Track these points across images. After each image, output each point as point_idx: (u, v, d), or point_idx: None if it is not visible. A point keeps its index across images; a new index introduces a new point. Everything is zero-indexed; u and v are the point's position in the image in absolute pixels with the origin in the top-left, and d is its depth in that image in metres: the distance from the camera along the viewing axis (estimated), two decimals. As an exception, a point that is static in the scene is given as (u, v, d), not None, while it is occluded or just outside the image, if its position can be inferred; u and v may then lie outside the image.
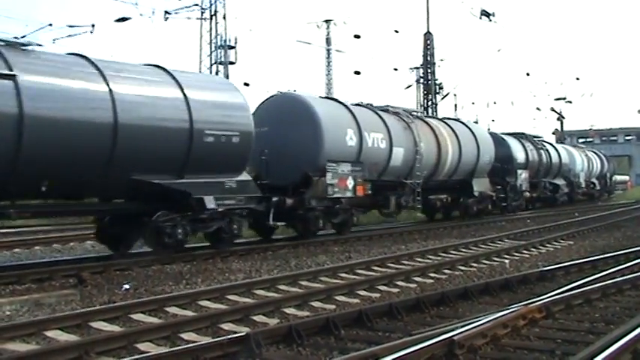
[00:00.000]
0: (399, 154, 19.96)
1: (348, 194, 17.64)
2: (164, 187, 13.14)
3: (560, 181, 35.57)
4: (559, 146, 37.79)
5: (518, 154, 29.51)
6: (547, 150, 33.96)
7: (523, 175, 29.17)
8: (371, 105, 20.71)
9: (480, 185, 24.90)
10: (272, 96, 18.50)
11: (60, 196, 12.69)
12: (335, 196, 17.24)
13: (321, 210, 17.16)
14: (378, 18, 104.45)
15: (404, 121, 20.91)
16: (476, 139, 24.63)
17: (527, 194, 30.01)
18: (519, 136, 32.05)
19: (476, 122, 33.56)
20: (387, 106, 21.12)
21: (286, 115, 17.23)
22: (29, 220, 17.11)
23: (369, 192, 18.74)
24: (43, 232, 19.28)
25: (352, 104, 19.68)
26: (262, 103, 18.06)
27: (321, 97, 20.54)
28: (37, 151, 10.91)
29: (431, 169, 21.87)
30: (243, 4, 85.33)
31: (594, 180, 44.21)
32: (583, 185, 39.94)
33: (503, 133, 31.06)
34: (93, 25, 27.43)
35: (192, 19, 34.41)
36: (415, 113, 23.49)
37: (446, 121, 24.73)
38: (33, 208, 12.86)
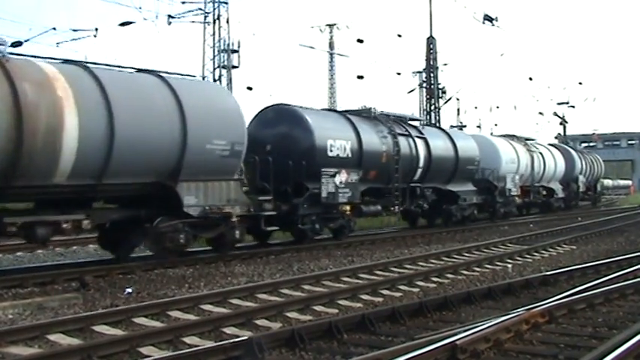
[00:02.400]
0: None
1: None
2: None
3: (461, 187, 23.30)
4: (459, 134, 25.39)
5: (332, 142, 17.16)
6: (423, 138, 21.24)
7: (340, 177, 16.97)
8: None
9: (205, 195, 13.71)
10: None
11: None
12: None
13: None
14: (381, 22, 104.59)
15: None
16: (179, 103, 13.11)
17: (348, 209, 17.46)
18: (353, 113, 19.41)
19: (478, 126, 30.30)
20: None
21: None
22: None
23: None
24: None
25: None
26: None
27: None
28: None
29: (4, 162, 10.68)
30: (247, 8, 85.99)
31: (552, 185, 33.31)
32: (514, 192, 26.74)
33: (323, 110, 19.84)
34: (96, 29, 27.39)
35: (196, 22, 34.46)
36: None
37: (87, 65, 12.56)
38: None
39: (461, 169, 23.10)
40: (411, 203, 20.69)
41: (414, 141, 20.66)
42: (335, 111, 21.97)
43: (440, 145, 22.15)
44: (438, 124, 31.33)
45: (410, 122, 21.80)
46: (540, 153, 31.80)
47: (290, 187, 16.13)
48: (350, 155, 17.72)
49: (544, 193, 32.22)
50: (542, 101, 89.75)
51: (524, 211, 31.41)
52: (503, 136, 30.78)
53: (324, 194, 16.63)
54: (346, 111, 19.77)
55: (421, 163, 20.94)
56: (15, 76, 10.85)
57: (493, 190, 25.49)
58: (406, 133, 20.52)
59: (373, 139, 18.76)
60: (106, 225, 13.23)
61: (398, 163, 19.54)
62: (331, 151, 17.25)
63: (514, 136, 31.35)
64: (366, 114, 19.74)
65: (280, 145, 16.27)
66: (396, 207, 19.90)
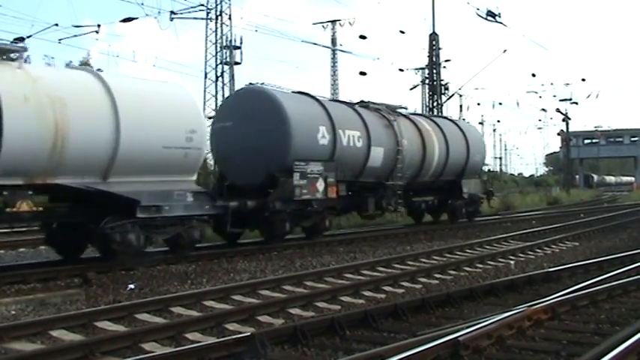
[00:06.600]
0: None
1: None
2: None
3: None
4: None
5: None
6: None
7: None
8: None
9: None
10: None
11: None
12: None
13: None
14: (383, 19, 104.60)
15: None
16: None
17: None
18: None
19: (481, 123, 31.78)
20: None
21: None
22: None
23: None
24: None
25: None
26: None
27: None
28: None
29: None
30: (249, 4, 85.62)
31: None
32: None
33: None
34: (99, 26, 27.36)
35: (198, 19, 34.39)
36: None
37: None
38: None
39: None
40: None
41: None
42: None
43: None
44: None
45: None
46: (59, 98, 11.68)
47: None
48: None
49: None
50: (545, 98, 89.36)
51: None
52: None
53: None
54: None
55: None
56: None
57: None
58: None
59: None
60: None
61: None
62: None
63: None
64: None
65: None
66: None
